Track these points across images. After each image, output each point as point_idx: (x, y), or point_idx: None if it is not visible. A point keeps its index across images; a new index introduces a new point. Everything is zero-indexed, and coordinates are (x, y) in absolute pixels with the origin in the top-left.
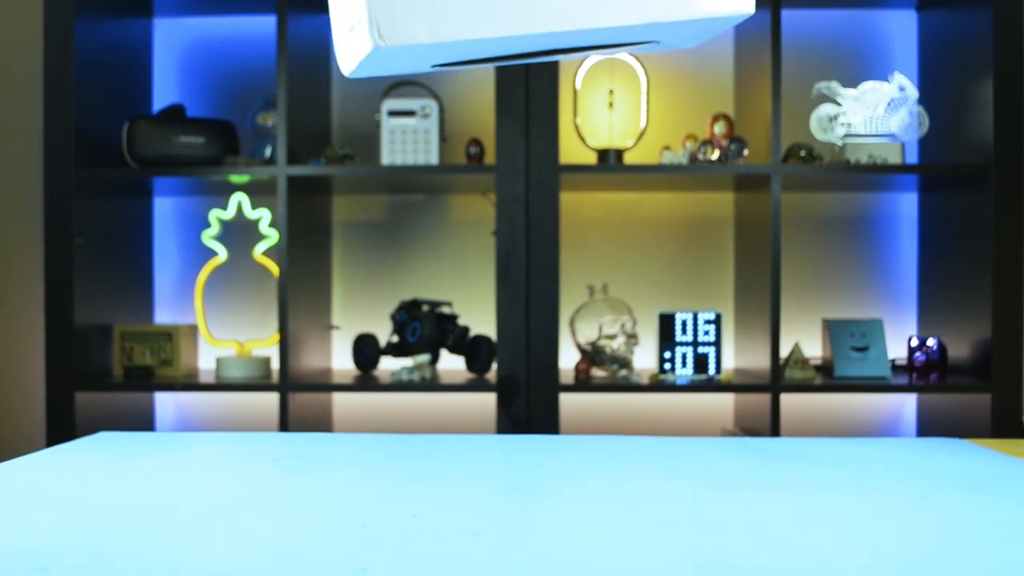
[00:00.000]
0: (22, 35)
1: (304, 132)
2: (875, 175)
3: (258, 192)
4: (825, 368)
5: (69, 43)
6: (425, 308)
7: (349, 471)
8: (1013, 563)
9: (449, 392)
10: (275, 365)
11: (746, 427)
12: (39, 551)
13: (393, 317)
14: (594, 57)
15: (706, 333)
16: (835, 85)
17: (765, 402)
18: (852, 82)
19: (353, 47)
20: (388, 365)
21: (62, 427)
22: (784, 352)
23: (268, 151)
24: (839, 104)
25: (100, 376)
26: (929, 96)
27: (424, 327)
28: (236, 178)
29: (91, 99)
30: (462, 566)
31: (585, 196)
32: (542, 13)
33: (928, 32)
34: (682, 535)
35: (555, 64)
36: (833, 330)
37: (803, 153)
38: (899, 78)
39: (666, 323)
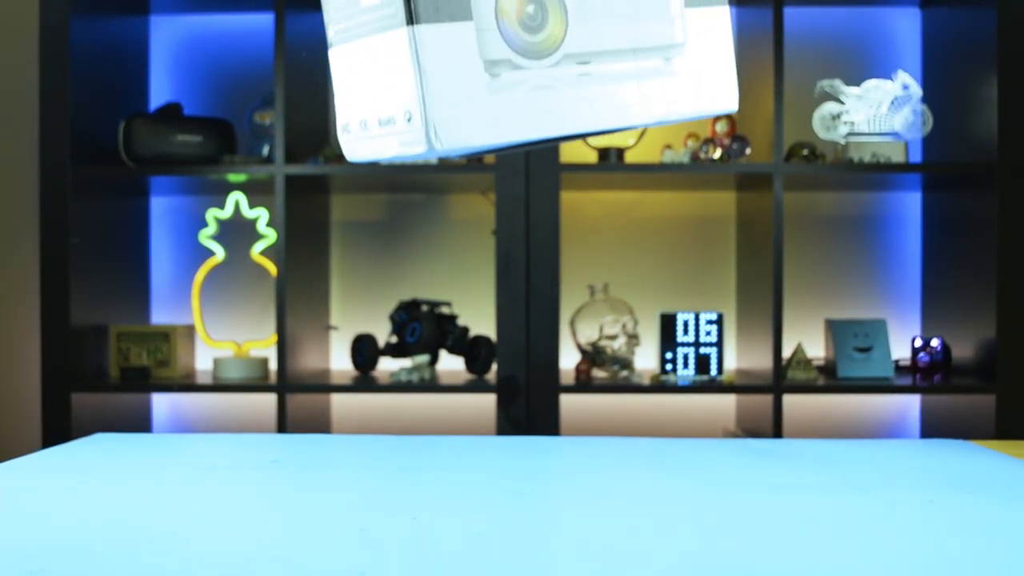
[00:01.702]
0: (18, 33)
1: (302, 131)
2: (878, 174)
3: (256, 191)
4: (828, 369)
5: (65, 41)
6: (424, 308)
7: (347, 473)
8: (1018, 565)
9: (448, 393)
10: (273, 366)
11: (748, 428)
12: (35, 553)
13: (392, 317)
14: None
15: (708, 333)
16: (838, 83)
17: (767, 403)
18: (855, 80)
19: (384, 142)
20: (387, 366)
21: (58, 428)
22: (786, 353)
23: (266, 150)
24: (842, 102)
25: (96, 377)
26: (933, 94)
27: (423, 327)
28: (233, 177)
29: (87, 97)
30: (462, 568)
31: (586, 195)
32: (577, 118)
33: (932, 30)
34: (684, 538)
35: None
36: (836, 330)
37: (806, 152)
38: (903, 76)
39: (667, 323)
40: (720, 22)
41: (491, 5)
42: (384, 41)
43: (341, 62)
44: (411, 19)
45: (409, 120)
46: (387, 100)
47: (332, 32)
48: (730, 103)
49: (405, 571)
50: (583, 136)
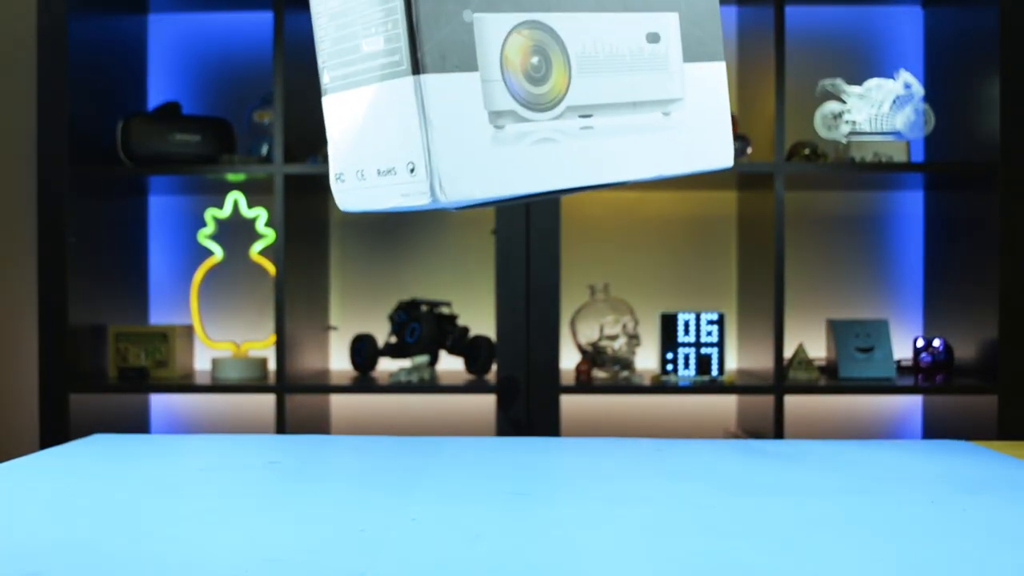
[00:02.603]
0: (16, 31)
1: (301, 130)
2: (880, 173)
3: (254, 191)
4: (829, 369)
5: (63, 39)
6: (424, 308)
7: (347, 474)
8: (1020, 566)
9: (448, 394)
10: (272, 366)
11: (749, 429)
12: (33, 555)
13: (391, 317)
14: None
15: (709, 334)
16: (840, 82)
17: (769, 404)
18: (857, 79)
19: (383, 192)
20: (386, 366)
21: (56, 429)
22: (788, 353)
23: (265, 149)
24: (844, 101)
25: (94, 377)
26: (935, 93)
27: (423, 328)
28: (232, 176)
29: (85, 96)
30: (461, 569)
31: (586, 195)
32: (578, 171)
33: (934, 28)
34: (684, 539)
35: None
36: (837, 331)
37: (807, 151)
38: (905, 75)
39: (668, 323)
40: (717, 77)
41: (497, 56)
42: (387, 90)
43: (337, 109)
44: (417, 68)
45: (412, 171)
46: (388, 150)
47: (327, 78)
48: (726, 159)
49: (405, 572)
50: (583, 190)
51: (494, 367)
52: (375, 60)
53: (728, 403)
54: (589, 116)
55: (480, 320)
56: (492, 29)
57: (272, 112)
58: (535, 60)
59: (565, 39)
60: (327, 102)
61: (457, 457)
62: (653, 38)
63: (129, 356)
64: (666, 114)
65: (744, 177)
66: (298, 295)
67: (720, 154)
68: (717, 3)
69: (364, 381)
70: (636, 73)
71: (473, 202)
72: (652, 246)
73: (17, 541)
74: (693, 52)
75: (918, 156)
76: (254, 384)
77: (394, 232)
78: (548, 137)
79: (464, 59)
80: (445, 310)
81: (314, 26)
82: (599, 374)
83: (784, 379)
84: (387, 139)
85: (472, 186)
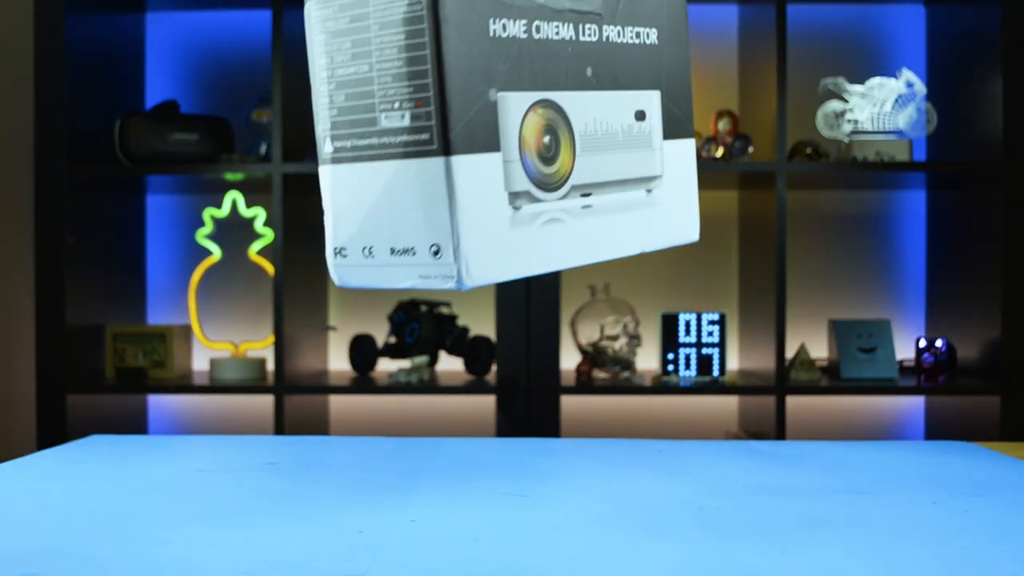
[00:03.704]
0: (13, 30)
1: (300, 129)
2: (882, 173)
3: (253, 190)
4: (831, 370)
5: (60, 38)
6: (423, 308)
7: (346, 475)
8: (1023, 568)
9: (448, 394)
10: (270, 367)
11: (751, 430)
12: (29, 557)
13: (391, 318)
14: None
15: (710, 334)
16: (842, 81)
17: (770, 404)
18: (859, 78)
19: (395, 272)
20: (385, 367)
21: (53, 430)
22: (790, 353)
23: (263, 148)
24: (846, 100)
25: (92, 378)
26: (937, 92)
27: (422, 328)
28: (231, 176)
29: (83, 95)
30: (461, 571)
31: None
32: (581, 251)
33: (936, 27)
34: (686, 540)
35: None
36: (839, 331)
37: (809, 150)
38: (907, 74)
39: (669, 324)
40: (688, 154)
41: (516, 135)
42: (411, 168)
43: (340, 180)
44: (448, 149)
45: (436, 254)
46: (406, 230)
47: (331, 147)
48: (693, 234)
49: (404, 573)
50: (582, 266)
51: (494, 368)
52: (397, 136)
53: (729, 404)
54: (588, 195)
55: (480, 320)
56: (513, 108)
57: (271, 111)
58: (547, 139)
59: (571, 118)
60: (327, 172)
61: (457, 458)
62: (640, 116)
63: (127, 356)
64: (648, 191)
65: (746, 176)
66: (297, 295)
67: (690, 229)
68: (690, 80)
69: (363, 382)
70: (626, 151)
71: (490, 283)
72: None
73: (14, 543)
74: (670, 129)
75: (920, 155)
76: (253, 385)
77: None
78: (556, 217)
79: (488, 139)
80: (445, 310)
81: (315, 91)
82: (599, 375)
83: (786, 380)
84: (406, 218)
85: (494, 270)
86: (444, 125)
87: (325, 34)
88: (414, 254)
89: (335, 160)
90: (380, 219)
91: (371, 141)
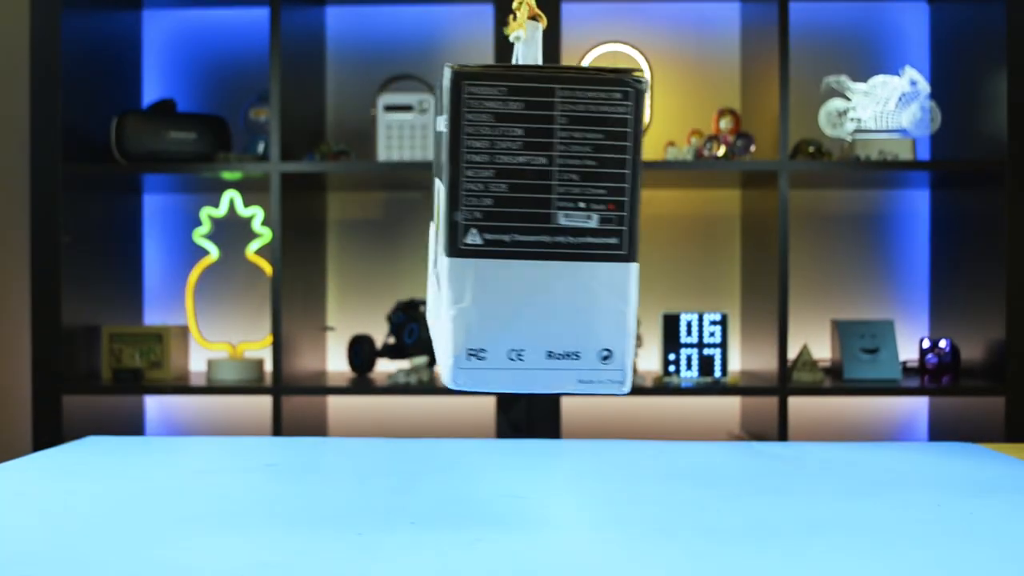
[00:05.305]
0: (8, 27)
1: (298, 127)
2: (886, 172)
3: (251, 189)
4: (834, 370)
5: (56, 36)
6: (423, 309)
7: (344, 476)
8: None
9: (447, 395)
10: (268, 367)
11: (753, 431)
12: (24, 559)
13: (390, 318)
14: (596, 51)
15: (712, 334)
16: (844, 79)
17: (772, 405)
18: (862, 76)
19: (549, 376)
20: (384, 367)
21: (49, 431)
22: (792, 354)
23: (261, 147)
24: (849, 99)
25: (88, 379)
26: (941, 90)
27: (421, 328)
28: (228, 175)
29: (79, 93)
30: (461, 573)
31: None
32: None
33: (940, 25)
34: (687, 542)
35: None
36: (842, 331)
37: (812, 149)
38: (910, 72)
39: (670, 324)
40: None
41: None
42: (587, 270)
43: (488, 275)
44: (633, 254)
45: (606, 359)
46: (574, 333)
47: (482, 238)
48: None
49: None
50: None
51: None
52: (577, 237)
53: (731, 405)
54: None
55: None
56: None
57: (268, 109)
58: None
59: None
60: (469, 265)
61: (456, 459)
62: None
63: (123, 357)
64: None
65: (748, 175)
66: (295, 295)
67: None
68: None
69: (362, 383)
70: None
71: None
72: (654, 245)
73: (8, 545)
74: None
75: (924, 154)
76: (250, 386)
77: (392, 231)
78: None
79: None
80: None
81: (455, 171)
82: None
83: (788, 380)
84: (572, 321)
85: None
86: (632, 230)
87: (486, 114)
88: (577, 358)
89: (485, 254)
90: (536, 320)
91: (540, 239)
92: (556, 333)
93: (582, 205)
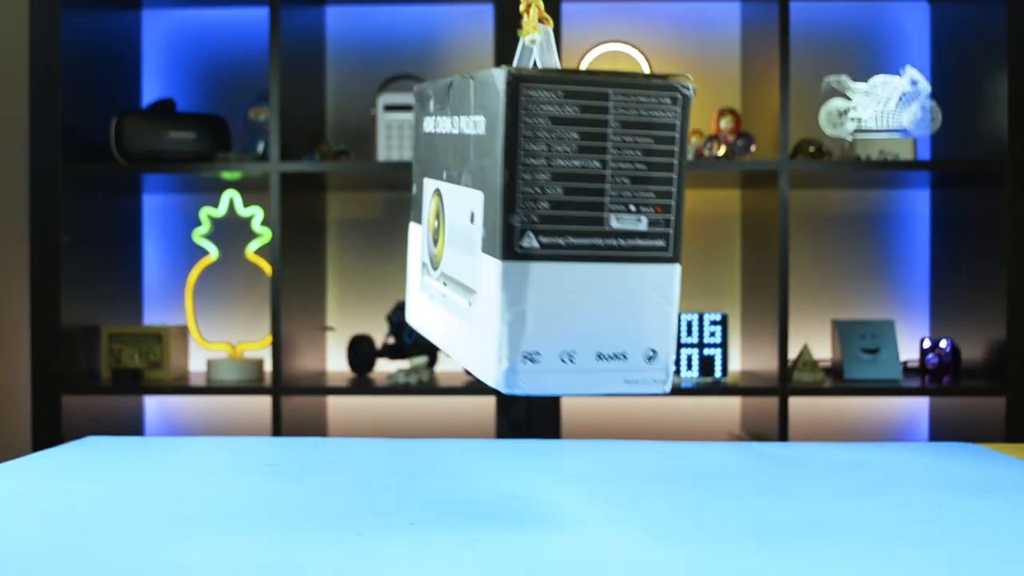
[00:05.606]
0: (8, 27)
1: (298, 127)
2: (886, 171)
3: (250, 189)
4: (834, 371)
5: (56, 36)
6: None
7: (344, 477)
8: None
9: (447, 395)
10: (268, 368)
11: (753, 431)
12: (23, 559)
13: (389, 318)
14: (596, 50)
15: (712, 335)
16: (845, 79)
17: (773, 405)
18: (863, 76)
19: (597, 378)
20: (384, 367)
21: (48, 431)
22: (792, 354)
23: (260, 147)
24: (849, 98)
25: (87, 379)
26: (942, 90)
27: None
28: (228, 175)
29: (78, 93)
30: (461, 574)
31: None
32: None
33: (941, 24)
34: (687, 542)
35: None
36: (843, 331)
37: (812, 149)
38: (911, 72)
39: None
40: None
41: None
42: (637, 272)
43: (543, 279)
44: (678, 255)
45: (650, 359)
46: (621, 334)
47: (538, 241)
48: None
49: None
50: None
51: None
52: (628, 239)
53: (731, 405)
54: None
55: None
56: None
57: (268, 109)
58: None
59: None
60: (524, 268)
61: (456, 460)
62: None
63: (123, 357)
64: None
65: (748, 175)
66: (294, 295)
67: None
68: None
69: (362, 383)
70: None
71: None
72: None
73: (8, 545)
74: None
75: (924, 154)
76: (250, 386)
77: (392, 231)
78: None
79: None
80: None
81: (508, 175)
82: None
83: (788, 381)
84: (619, 322)
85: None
86: (678, 230)
87: (543, 118)
88: (625, 359)
89: (542, 257)
90: (587, 322)
91: (594, 241)
92: (605, 335)
93: (633, 208)
